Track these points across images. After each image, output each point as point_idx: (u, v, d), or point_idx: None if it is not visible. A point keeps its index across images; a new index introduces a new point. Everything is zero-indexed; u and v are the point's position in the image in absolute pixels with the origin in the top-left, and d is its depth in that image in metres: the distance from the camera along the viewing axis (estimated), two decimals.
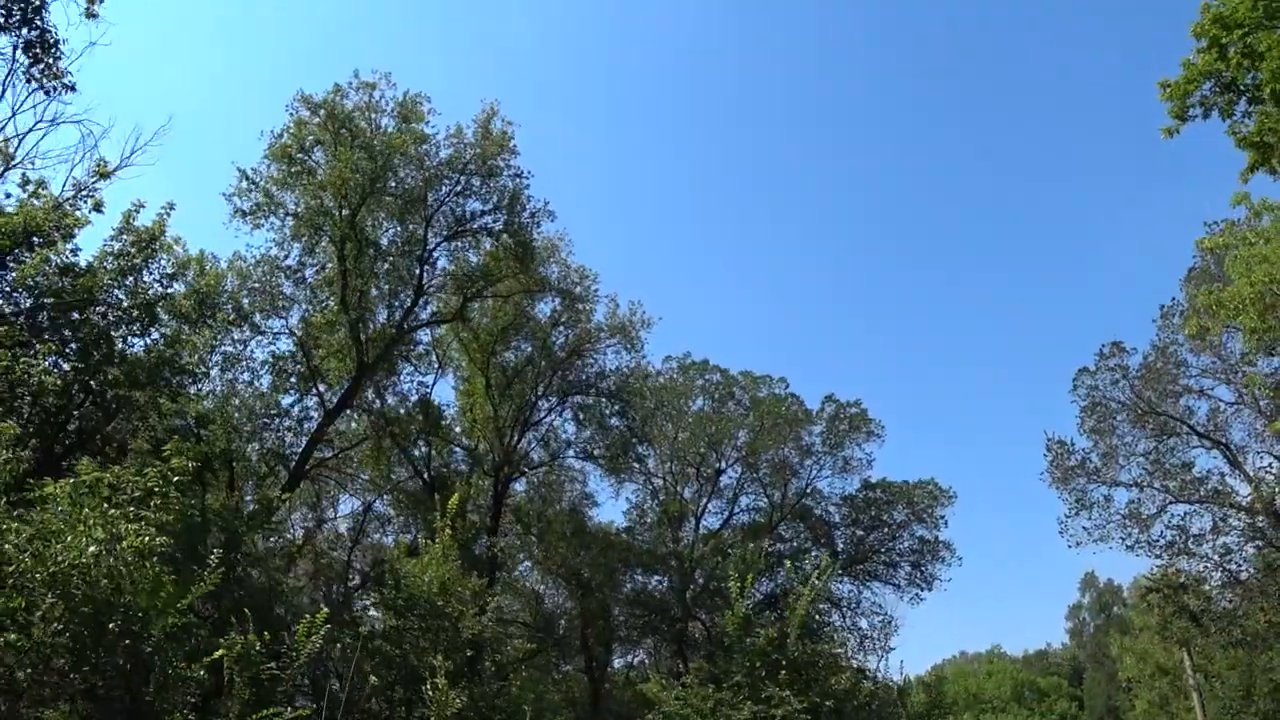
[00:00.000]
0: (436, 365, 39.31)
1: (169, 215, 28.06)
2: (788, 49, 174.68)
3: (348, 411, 36.36)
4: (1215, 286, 24.95)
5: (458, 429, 42.88)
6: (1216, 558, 43.36)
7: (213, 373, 35.32)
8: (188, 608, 15.67)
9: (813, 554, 53.13)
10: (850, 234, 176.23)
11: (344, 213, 33.33)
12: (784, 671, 23.24)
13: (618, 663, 54.16)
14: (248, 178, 34.72)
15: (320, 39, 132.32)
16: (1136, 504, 46.23)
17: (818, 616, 53.37)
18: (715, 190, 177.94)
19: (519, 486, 48.14)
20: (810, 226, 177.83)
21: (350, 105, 34.28)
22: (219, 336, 34.81)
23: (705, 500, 51.04)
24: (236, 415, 34.31)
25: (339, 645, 22.24)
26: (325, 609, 19.23)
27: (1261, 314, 22.98)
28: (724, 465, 50.69)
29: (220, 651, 15.91)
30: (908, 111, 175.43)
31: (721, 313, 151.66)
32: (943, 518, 50.05)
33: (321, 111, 33.93)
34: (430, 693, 19.26)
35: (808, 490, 49.79)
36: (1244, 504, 43.84)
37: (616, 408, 40.30)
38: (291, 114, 33.66)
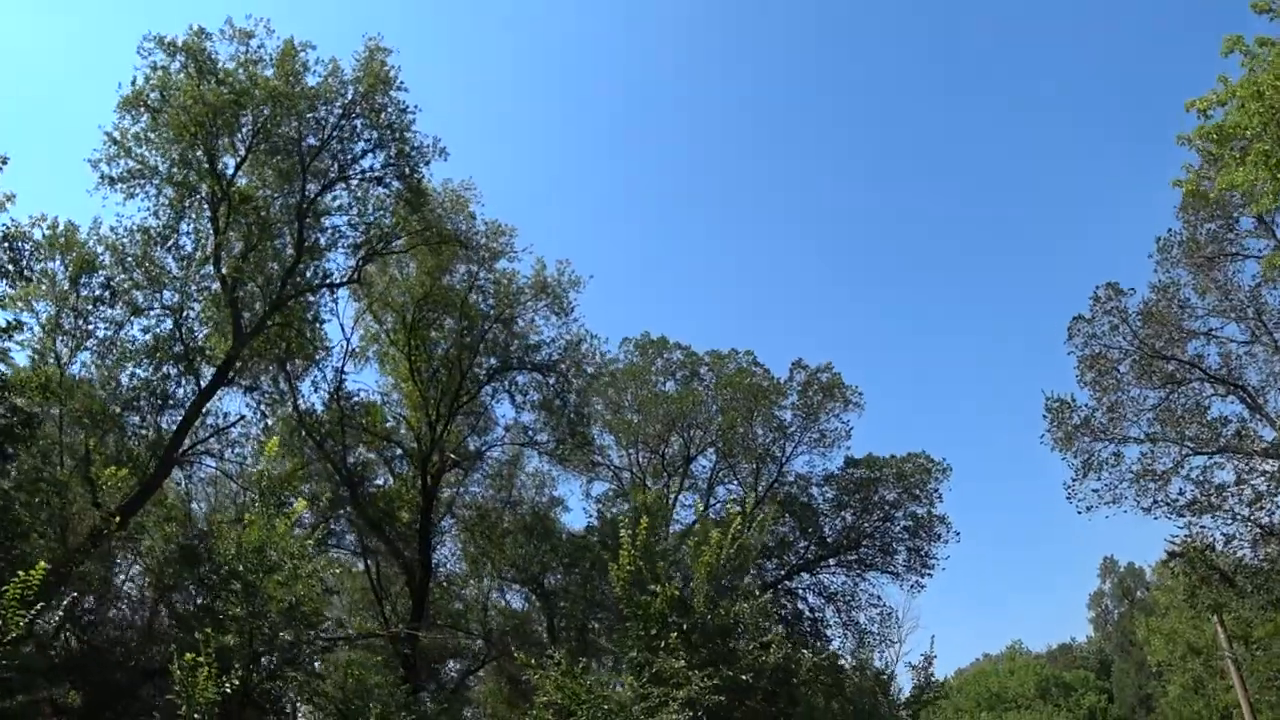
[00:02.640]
0: (346, 343, 33.42)
1: None
2: None
3: (252, 403, 30.64)
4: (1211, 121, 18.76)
5: (391, 421, 37.00)
6: (1245, 510, 36.79)
7: (83, 356, 30.11)
8: None
9: (799, 545, 46.84)
10: (822, 201, 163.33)
11: (203, 159, 27.84)
12: (691, 641, 17.05)
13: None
14: (115, 141, 29.38)
15: None
16: (1149, 459, 39.82)
17: (810, 613, 47.01)
18: (652, 162, 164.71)
19: (475, 488, 42.26)
20: (775, 192, 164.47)
21: (223, 57, 29.01)
22: (91, 317, 29.76)
23: (675, 494, 44.77)
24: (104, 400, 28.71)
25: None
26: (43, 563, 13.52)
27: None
28: (692, 452, 44.50)
29: None
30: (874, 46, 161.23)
31: (685, 296, 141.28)
32: (936, 492, 43.52)
33: (181, 55, 28.57)
34: (178, 675, 13.42)
35: (784, 472, 43.43)
36: (1269, 449, 37.40)
37: (551, 382, 34.27)
38: (144, 57, 28.34)
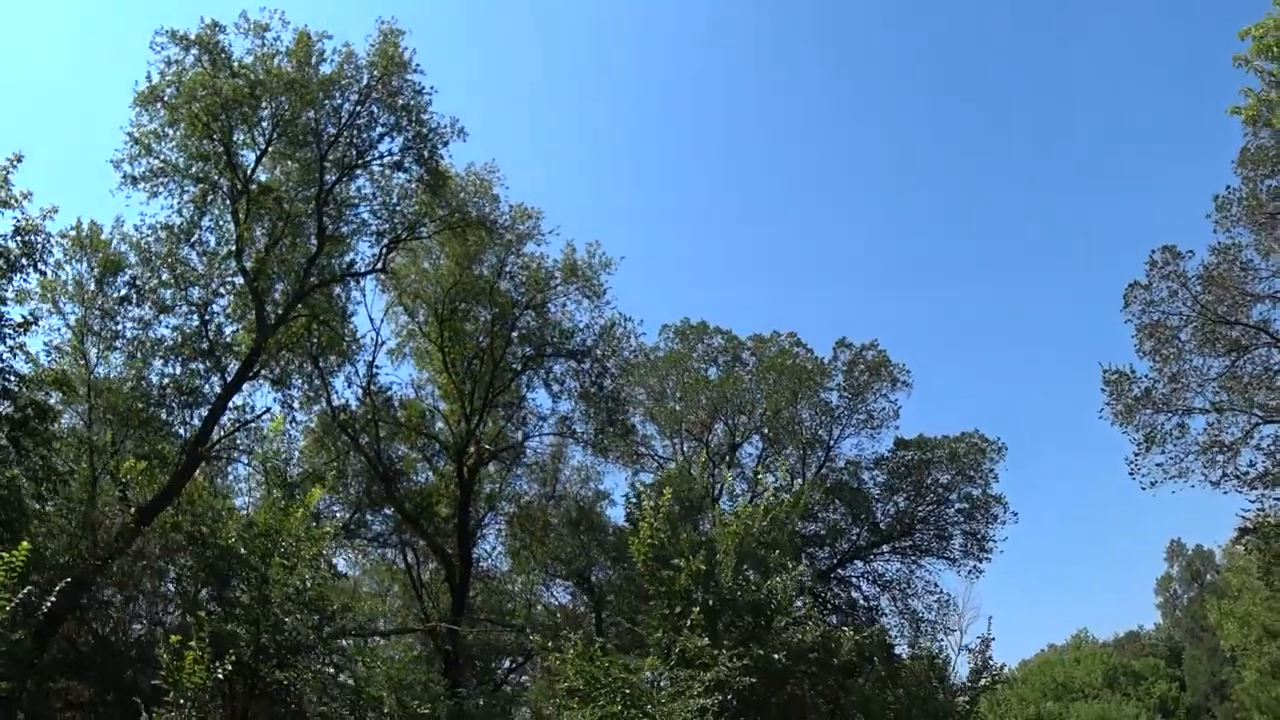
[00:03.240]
0: (376, 335, 32.46)
1: (13, 169, 22.33)
2: None
3: (281, 396, 29.83)
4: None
5: (427, 414, 36.03)
6: None
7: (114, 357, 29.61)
8: None
9: (851, 532, 45.00)
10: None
11: (221, 153, 27.11)
12: (718, 619, 15.63)
13: None
14: (136, 140, 28.82)
15: None
16: (1216, 429, 37.46)
17: (864, 602, 45.09)
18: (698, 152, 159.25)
19: (518, 483, 41.20)
20: (815, 170, 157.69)
21: (239, 51, 28.34)
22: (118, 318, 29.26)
23: (722, 485, 43.23)
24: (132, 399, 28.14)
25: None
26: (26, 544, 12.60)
27: None
28: (738, 439, 42.96)
29: None
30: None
31: (724, 281, 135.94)
32: (992, 472, 41.45)
33: (195, 49, 27.89)
34: (164, 658, 12.38)
35: (832, 456, 41.71)
36: None
37: (585, 368, 32.99)
38: (157, 51, 27.69)
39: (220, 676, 13.32)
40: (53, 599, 13.38)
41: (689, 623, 16.63)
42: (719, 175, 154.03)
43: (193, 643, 13.13)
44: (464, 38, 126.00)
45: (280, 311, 27.97)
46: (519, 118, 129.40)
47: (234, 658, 13.99)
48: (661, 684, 16.08)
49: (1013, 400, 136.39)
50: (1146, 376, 39.15)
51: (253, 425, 28.55)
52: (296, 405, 33.19)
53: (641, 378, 42.24)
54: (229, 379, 27.78)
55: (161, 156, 28.80)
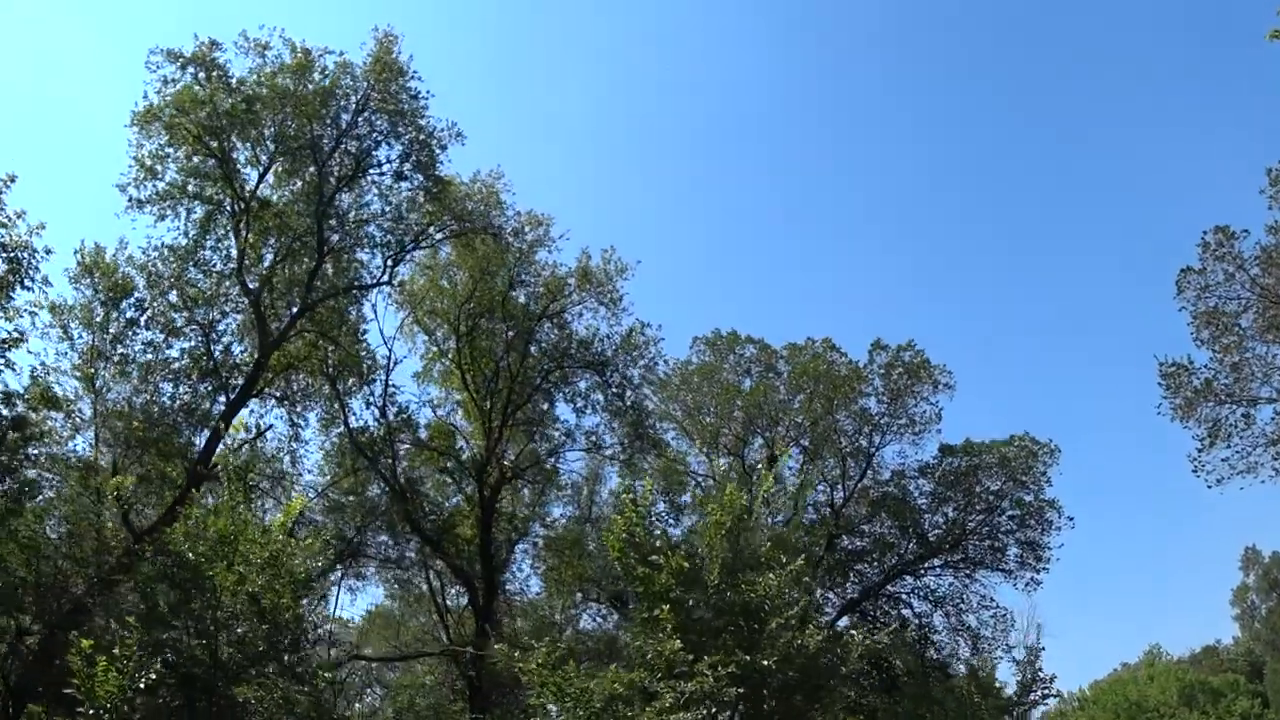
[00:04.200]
0: (389, 353, 31.01)
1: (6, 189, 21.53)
2: None
3: (285, 414, 28.55)
4: None
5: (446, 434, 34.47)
6: None
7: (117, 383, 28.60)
8: None
9: (900, 547, 42.19)
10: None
11: (220, 169, 26.05)
12: (699, 622, 13.55)
13: None
14: (141, 164, 28.03)
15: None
16: None
17: (915, 620, 42.14)
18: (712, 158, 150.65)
19: (554, 509, 39.45)
20: (843, 173, 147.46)
21: (240, 70, 27.47)
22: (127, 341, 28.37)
23: (759, 488, 40.93)
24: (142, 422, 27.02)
25: None
26: None
27: None
28: (776, 451, 40.59)
29: None
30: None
31: (756, 292, 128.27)
32: (1045, 475, 38.54)
33: (191, 67, 27.02)
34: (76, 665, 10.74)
35: (875, 465, 39.19)
36: None
37: (607, 380, 31.16)
38: (152, 70, 26.85)
39: (143, 686, 11.75)
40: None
41: (670, 627, 14.64)
42: (750, 183, 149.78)
43: (116, 650, 11.60)
44: (475, 39, 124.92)
45: (284, 328, 26.69)
46: (544, 138, 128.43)
47: (183, 670, 12.41)
48: (633, 695, 14.08)
49: (1065, 403, 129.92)
50: (1206, 367, 36.20)
51: (258, 443, 27.19)
52: (316, 426, 32.11)
53: (674, 392, 40.29)
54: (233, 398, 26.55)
55: (167, 179, 28.01)
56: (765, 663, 14.07)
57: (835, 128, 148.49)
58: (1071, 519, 38.49)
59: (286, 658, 15.54)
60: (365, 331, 30.35)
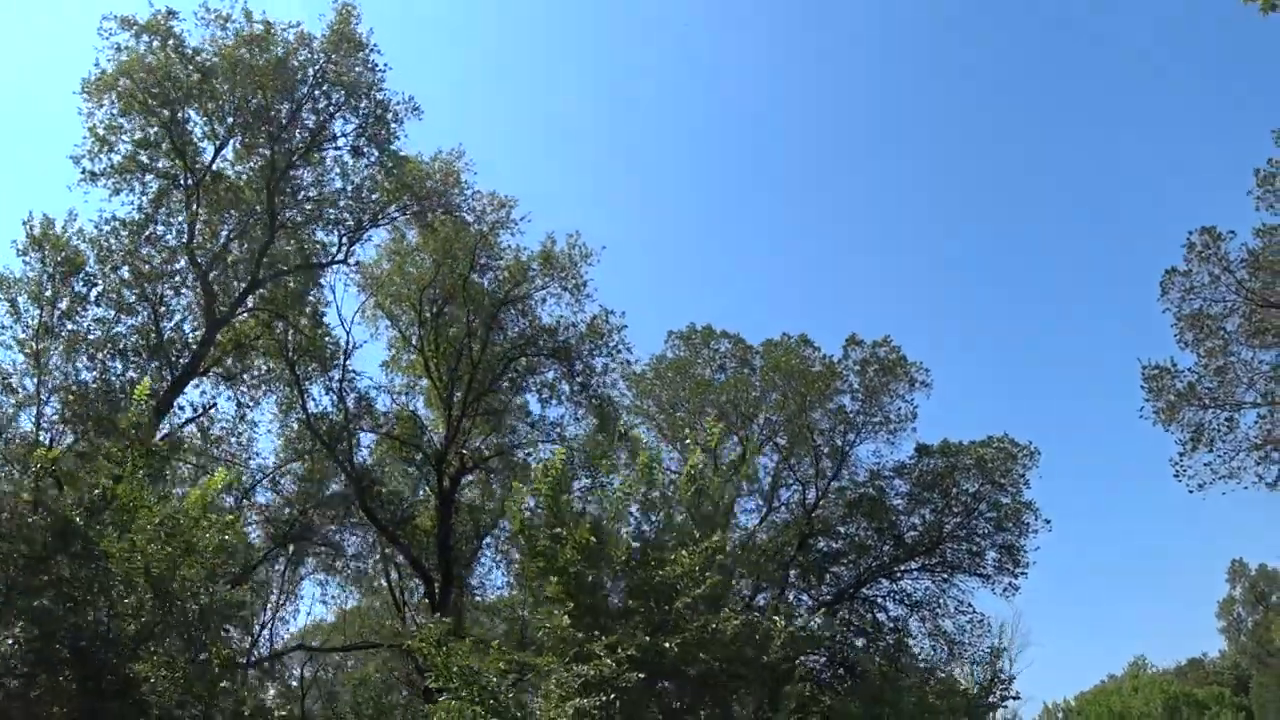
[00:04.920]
0: (347, 336, 29.83)
1: None
2: None
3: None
4: None
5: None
6: None
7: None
8: None
9: (877, 548, 40.91)
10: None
11: (173, 142, 24.96)
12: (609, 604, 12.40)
13: None
14: (96, 135, 26.95)
15: None
16: (1268, 423, 33.15)
17: (890, 624, 40.85)
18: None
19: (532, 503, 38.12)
20: (821, 168, 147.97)
21: (197, 40, 26.39)
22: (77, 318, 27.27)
23: (732, 495, 39.60)
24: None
25: None
26: None
27: None
28: (747, 449, 39.34)
29: None
30: None
31: (737, 289, 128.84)
32: (1023, 478, 37.32)
33: (146, 35, 25.95)
34: None
35: (849, 463, 37.96)
36: None
37: (573, 369, 29.99)
38: (105, 38, 25.78)
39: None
40: None
41: (571, 606, 13.52)
42: (734, 180, 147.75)
43: None
44: (459, 33, 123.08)
45: (232, 305, 25.56)
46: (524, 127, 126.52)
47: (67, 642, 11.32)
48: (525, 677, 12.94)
49: (1048, 411, 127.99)
50: (1190, 370, 35.07)
51: (193, 421, 26.05)
52: (275, 411, 31.03)
53: (648, 387, 39.10)
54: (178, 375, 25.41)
55: (121, 151, 26.93)
56: (666, 644, 12.87)
57: (819, 125, 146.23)
58: (1049, 521, 37.31)
59: (191, 635, 14.38)
60: (324, 315, 29.15)
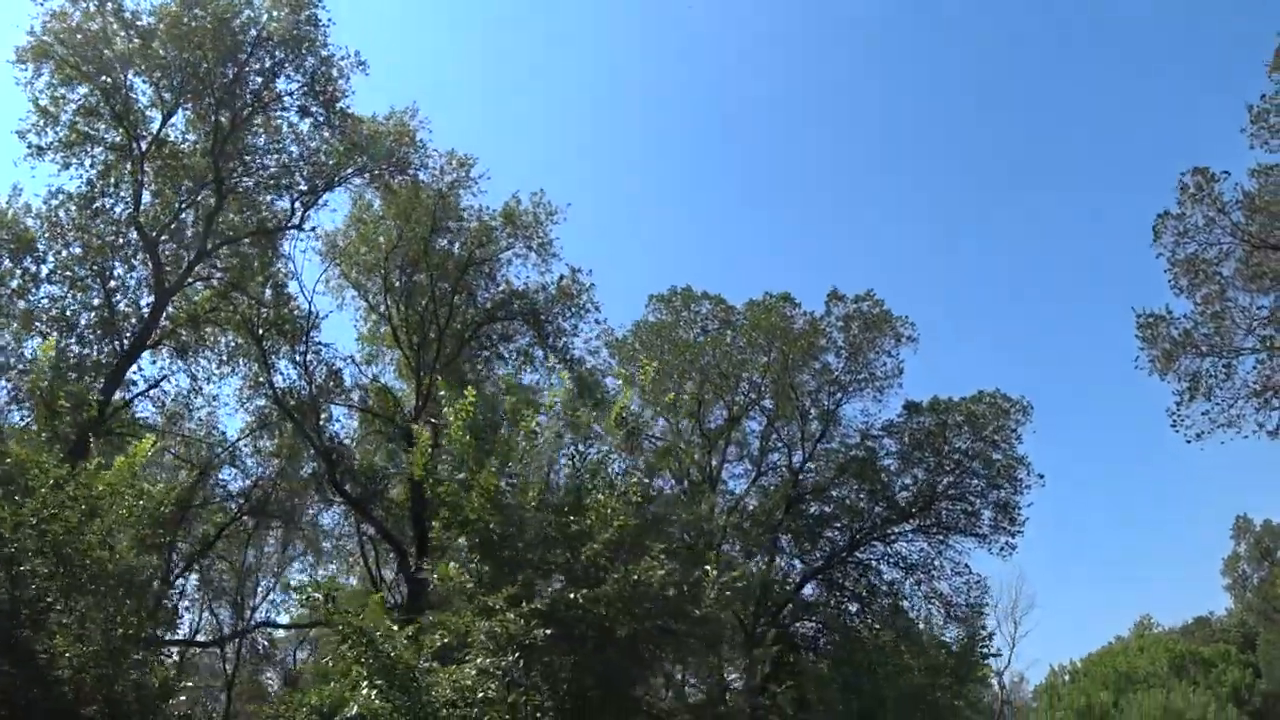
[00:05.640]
0: (309, 306, 28.57)
1: None
2: None
3: (185, 366, 26.23)
4: None
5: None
6: None
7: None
8: None
9: (869, 510, 39.68)
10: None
11: (114, 110, 23.69)
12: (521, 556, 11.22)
13: None
14: (39, 107, 25.68)
15: None
16: (1268, 370, 31.73)
17: (885, 588, 39.65)
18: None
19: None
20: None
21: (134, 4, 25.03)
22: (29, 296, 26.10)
23: (720, 460, 38.45)
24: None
25: None
26: None
27: None
28: (735, 413, 38.14)
29: None
30: None
31: (722, 252, 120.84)
32: (1015, 433, 36.02)
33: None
34: None
35: (836, 421, 36.73)
36: None
37: (539, 335, 28.75)
38: (39, 3, 24.43)
39: None
40: None
41: (477, 560, 12.40)
42: (707, 135, 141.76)
43: None
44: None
45: (180, 275, 24.34)
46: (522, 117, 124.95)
47: None
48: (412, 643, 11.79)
49: (1049, 375, 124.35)
50: (1186, 317, 33.61)
51: (144, 394, 24.92)
52: (244, 386, 29.95)
53: (630, 353, 37.84)
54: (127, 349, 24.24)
55: (66, 123, 25.68)
56: (572, 595, 11.69)
57: (792, 74, 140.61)
58: (1042, 476, 36.11)
59: (105, 613, 13.28)
60: (285, 286, 27.91)
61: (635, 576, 12.27)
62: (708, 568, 14.13)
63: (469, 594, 12.40)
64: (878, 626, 31.93)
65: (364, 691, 11.41)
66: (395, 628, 12.35)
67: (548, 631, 11.57)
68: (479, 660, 11.57)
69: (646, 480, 13.09)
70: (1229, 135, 31.69)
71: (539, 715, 11.49)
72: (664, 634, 13.00)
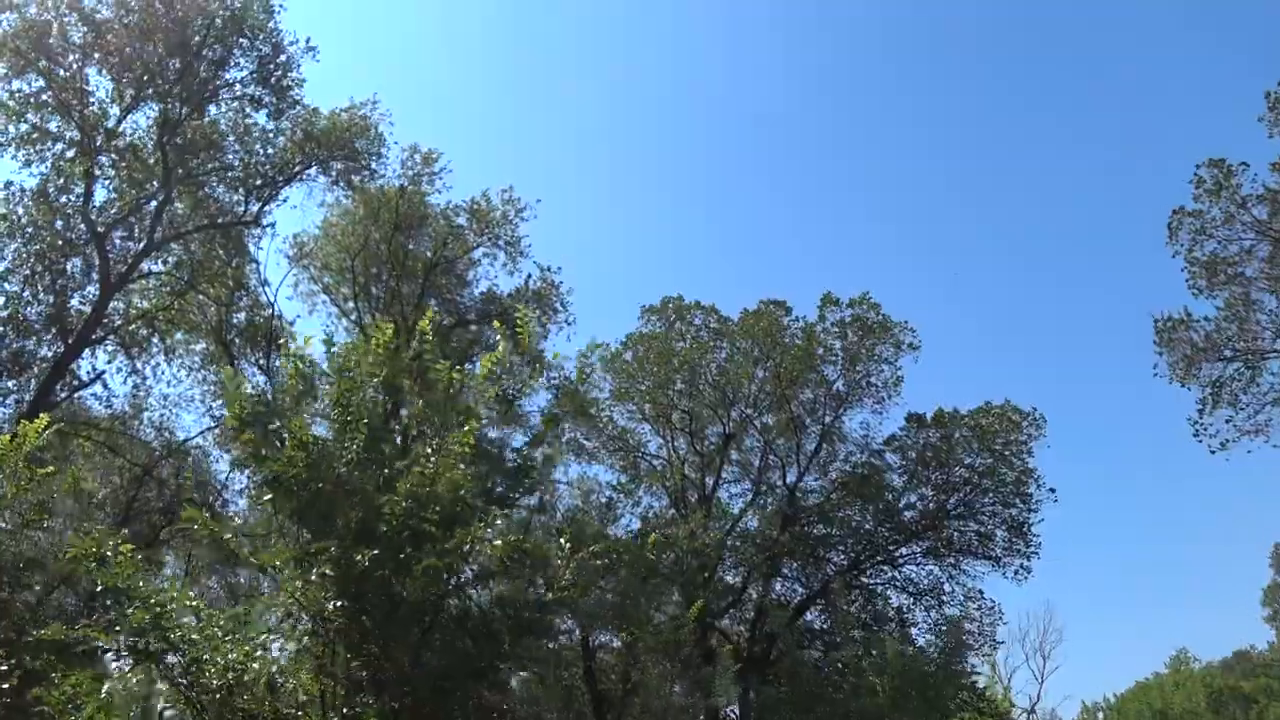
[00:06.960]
0: (273, 308, 27.00)
1: None
2: None
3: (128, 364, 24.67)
4: None
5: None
6: None
7: None
8: None
9: (874, 531, 37.03)
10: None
11: (64, 102, 22.47)
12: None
13: None
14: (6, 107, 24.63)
15: None
16: None
17: (892, 614, 36.83)
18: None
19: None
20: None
21: None
22: None
23: (714, 478, 36.10)
24: None
25: None
26: None
27: None
28: (730, 428, 35.89)
29: None
30: None
31: (720, 265, 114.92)
32: (1027, 447, 33.38)
33: None
34: None
35: (834, 433, 34.30)
36: None
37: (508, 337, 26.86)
38: None
39: None
40: None
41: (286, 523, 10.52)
42: (718, 154, 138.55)
43: None
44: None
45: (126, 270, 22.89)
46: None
47: None
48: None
49: (1072, 395, 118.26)
50: (1206, 320, 31.13)
51: (82, 389, 23.35)
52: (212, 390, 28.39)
53: (624, 367, 35.89)
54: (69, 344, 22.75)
55: (11, 111, 24.56)
56: (358, 558, 9.68)
57: (791, 80, 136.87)
58: (1053, 490, 33.32)
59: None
60: (248, 284, 26.38)
61: (465, 546, 10.25)
62: (563, 540, 12.04)
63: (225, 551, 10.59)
64: (875, 655, 29.21)
65: None
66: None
67: (342, 604, 9.62)
68: (265, 636, 9.70)
69: (466, 431, 10.90)
70: (1245, 128, 29.12)
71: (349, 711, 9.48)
72: (509, 619, 10.94)
